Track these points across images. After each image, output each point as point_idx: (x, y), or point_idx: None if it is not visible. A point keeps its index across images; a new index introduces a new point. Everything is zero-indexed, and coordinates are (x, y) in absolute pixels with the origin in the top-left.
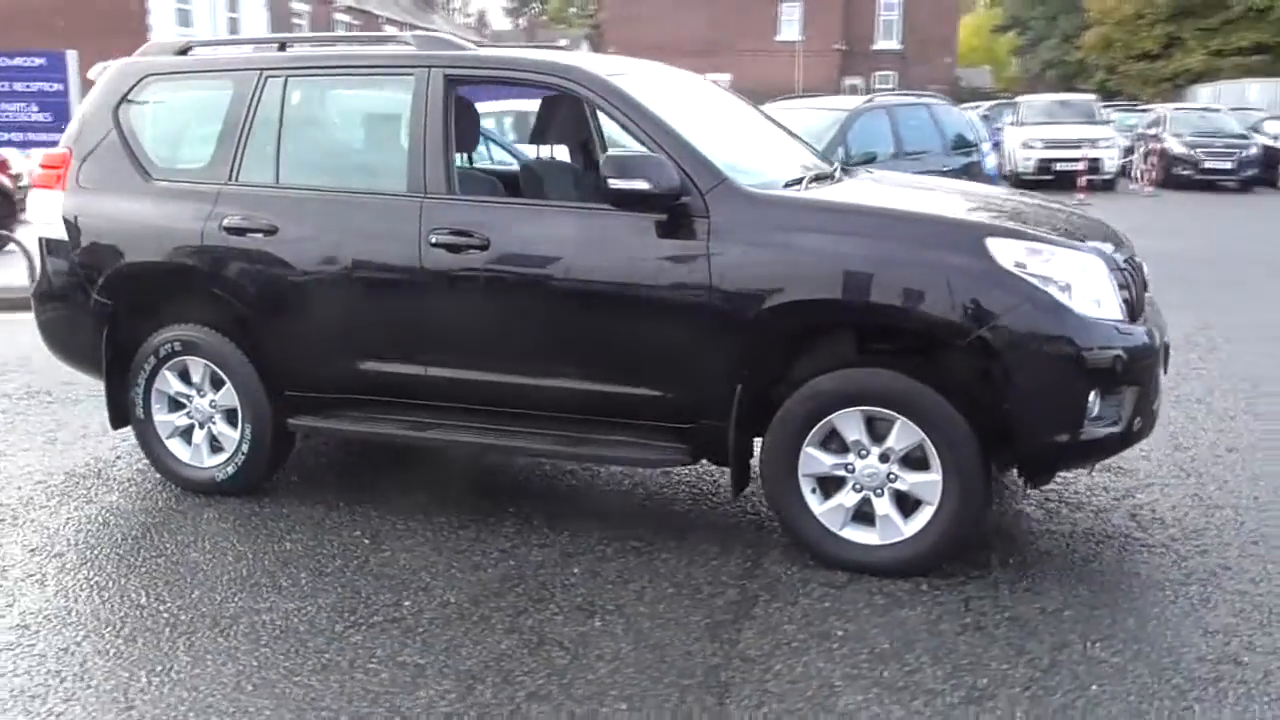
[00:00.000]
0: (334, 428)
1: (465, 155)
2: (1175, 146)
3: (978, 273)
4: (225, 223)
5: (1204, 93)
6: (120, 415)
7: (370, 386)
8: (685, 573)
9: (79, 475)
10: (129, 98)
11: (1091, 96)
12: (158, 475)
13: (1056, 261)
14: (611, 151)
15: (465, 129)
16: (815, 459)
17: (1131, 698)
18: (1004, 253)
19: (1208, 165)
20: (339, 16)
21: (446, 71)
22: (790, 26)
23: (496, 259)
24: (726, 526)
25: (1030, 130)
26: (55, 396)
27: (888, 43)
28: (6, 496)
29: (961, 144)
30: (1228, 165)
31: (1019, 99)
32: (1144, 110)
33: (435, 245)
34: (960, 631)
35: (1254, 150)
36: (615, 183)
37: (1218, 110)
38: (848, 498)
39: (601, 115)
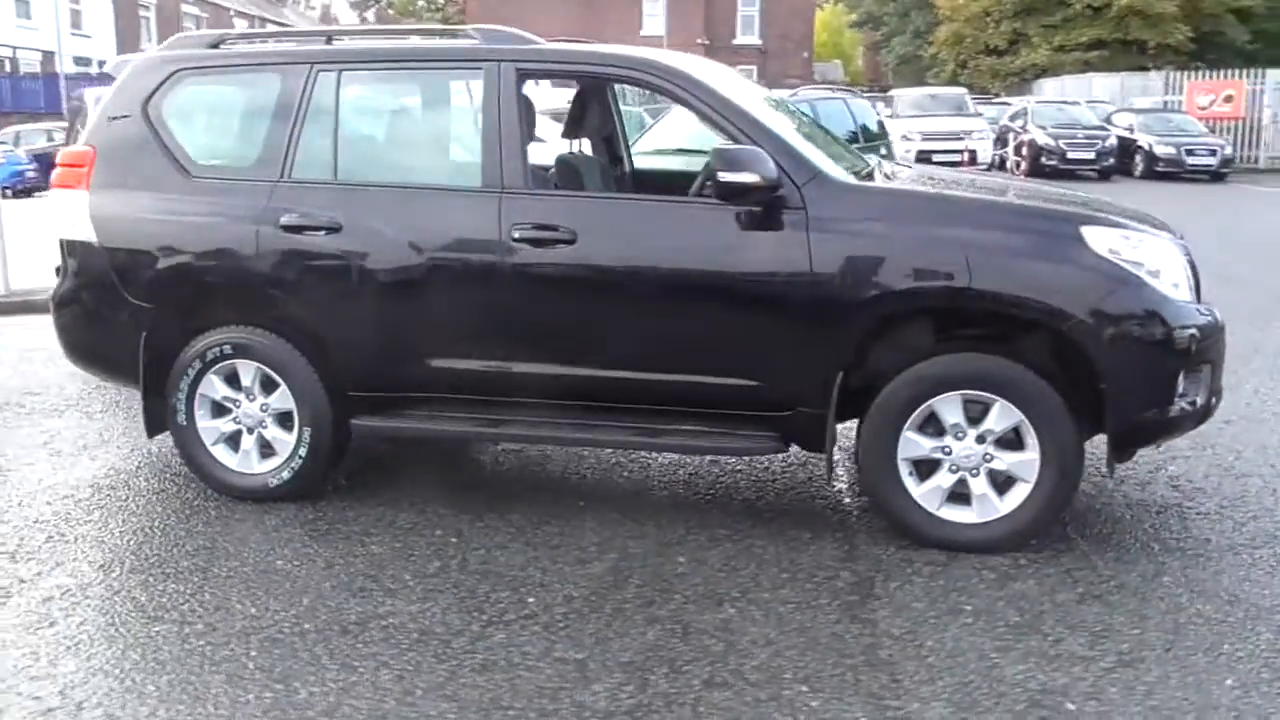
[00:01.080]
0: (404, 426)
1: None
2: (1041, 138)
3: (1078, 260)
4: (283, 220)
5: (1049, 86)
6: (157, 422)
7: (442, 384)
8: (788, 559)
9: (106, 487)
10: (160, 93)
11: (962, 90)
12: (192, 483)
13: (1145, 248)
14: (719, 145)
15: (532, 123)
16: (914, 443)
17: (1265, 653)
18: (1099, 240)
19: (1071, 155)
20: (187, 9)
21: (519, 66)
22: (654, 21)
23: (585, 253)
24: (804, 511)
25: (907, 123)
26: (29, 408)
27: (748, 38)
28: (40, 513)
29: (871, 135)
30: (1089, 155)
31: (893, 92)
32: (1001, 103)
33: (519, 240)
34: (1079, 601)
35: (1111, 141)
36: (725, 176)
37: (1076, 103)
38: (944, 479)
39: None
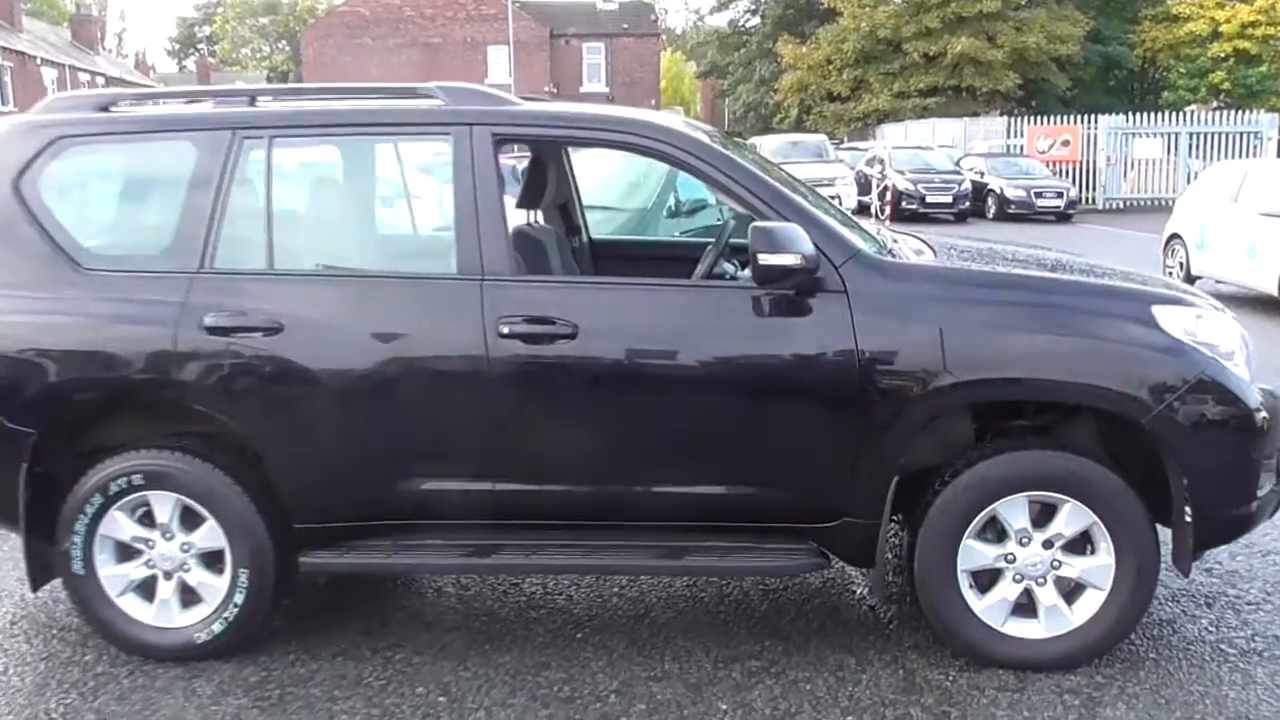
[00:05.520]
0: (369, 562)
1: None
2: (901, 183)
3: (1154, 344)
4: (207, 321)
5: (892, 131)
6: (43, 571)
7: (413, 509)
8: (845, 694)
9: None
10: (36, 166)
11: (822, 137)
12: (94, 643)
13: (1215, 326)
14: (758, 223)
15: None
16: (976, 551)
17: None
18: (1172, 321)
19: (930, 199)
20: None
21: (495, 130)
22: (499, 69)
23: (589, 349)
24: (836, 628)
25: None
26: None
27: (595, 85)
28: None
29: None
30: (947, 199)
31: (754, 140)
32: (851, 149)
33: (507, 336)
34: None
35: (966, 184)
36: (766, 258)
37: (930, 149)
38: (1008, 590)
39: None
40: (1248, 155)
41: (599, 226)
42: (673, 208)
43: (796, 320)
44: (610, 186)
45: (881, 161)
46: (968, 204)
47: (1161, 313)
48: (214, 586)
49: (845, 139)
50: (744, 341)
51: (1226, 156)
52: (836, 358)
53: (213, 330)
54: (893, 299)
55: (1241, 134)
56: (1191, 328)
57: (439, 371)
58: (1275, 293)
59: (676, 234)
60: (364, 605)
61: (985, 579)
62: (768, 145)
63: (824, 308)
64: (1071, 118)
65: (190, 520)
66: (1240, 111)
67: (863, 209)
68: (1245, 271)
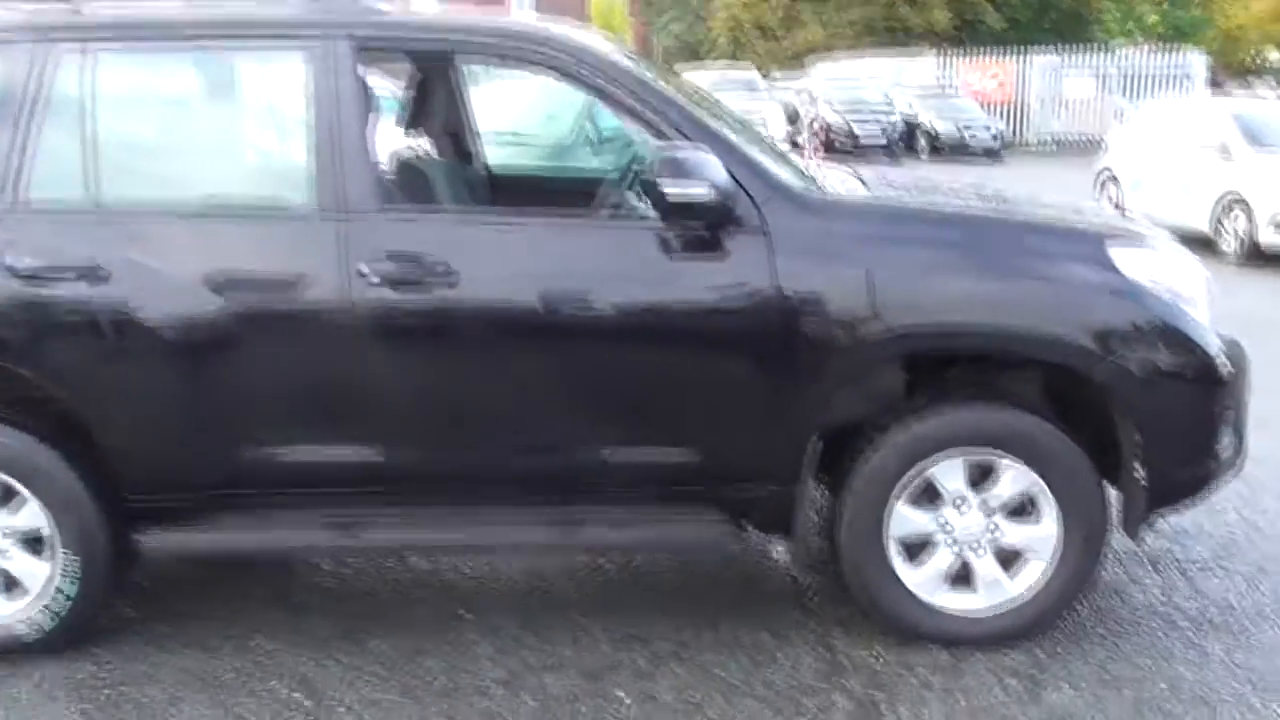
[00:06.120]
0: (216, 539)
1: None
2: (831, 117)
3: (1110, 288)
4: (14, 263)
5: (824, 66)
6: None
7: (269, 481)
8: (762, 678)
9: None
10: None
11: (752, 71)
12: None
13: (1175, 269)
14: (661, 147)
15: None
16: (906, 517)
17: None
18: (1129, 262)
19: (861, 135)
20: None
21: (361, 39)
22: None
23: (469, 295)
24: (755, 605)
25: None
26: None
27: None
28: None
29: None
30: (878, 133)
31: (686, 75)
32: (783, 84)
33: (371, 280)
34: (1135, 715)
35: (897, 119)
36: (670, 187)
37: (861, 83)
38: (942, 559)
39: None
40: (1178, 94)
41: (509, 160)
42: (593, 139)
43: (709, 262)
44: (526, 116)
45: (812, 95)
46: (900, 140)
47: (1118, 253)
48: (36, 573)
49: (777, 74)
50: (648, 286)
51: (1157, 95)
52: (754, 304)
53: (22, 275)
54: (819, 238)
55: (1172, 74)
56: (1148, 269)
57: (292, 322)
58: (1209, 231)
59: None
60: (227, 586)
61: (916, 547)
62: (695, 78)
63: (741, 248)
64: (1004, 55)
65: (8, 499)
66: (1171, 51)
67: (793, 145)
68: (1179, 209)
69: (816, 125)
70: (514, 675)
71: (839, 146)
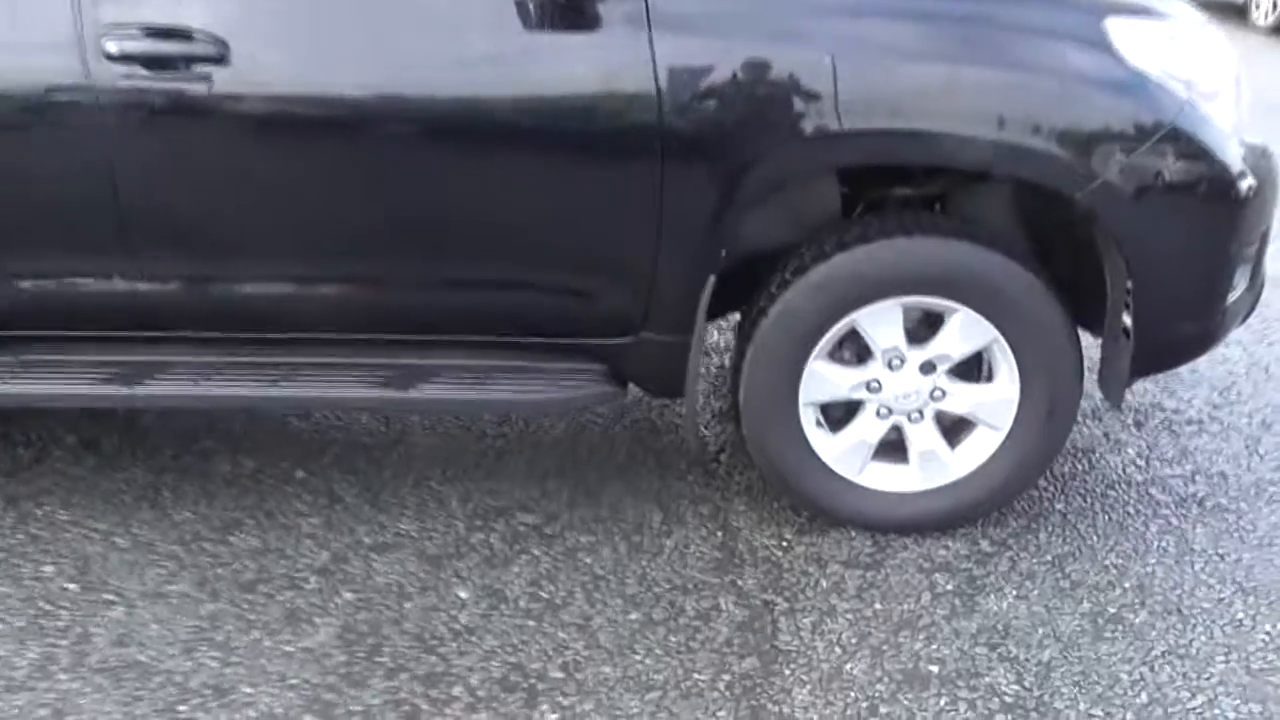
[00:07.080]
0: None
1: None
2: None
3: (1104, 77)
4: None
5: None
6: None
7: (21, 319)
8: (636, 570)
9: None
10: None
11: None
12: None
13: (1193, 50)
14: None
15: None
16: (826, 379)
17: None
18: (1132, 41)
19: None
20: None
21: None
22: None
23: (246, 78)
24: (644, 472)
25: None
26: None
27: None
28: None
29: None
30: None
31: None
32: None
33: (118, 58)
34: (1094, 628)
35: None
36: None
37: None
38: (870, 428)
39: None
40: None
41: None
42: None
43: (570, 36)
44: None
45: None
46: None
47: (1118, 28)
48: None
49: None
50: (492, 68)
51: None
52: (628, 93)
53: None
54: (716, 7)
55: None
56: (1159, 51)
57: (20, 113)
58: None
59: None
60: (34, 426)
61: (838, 413)
62: None
63: (611, 17)
64: None
65: None
66: None
67: None
68: None
69: None
70: (337, 560)
71: None
